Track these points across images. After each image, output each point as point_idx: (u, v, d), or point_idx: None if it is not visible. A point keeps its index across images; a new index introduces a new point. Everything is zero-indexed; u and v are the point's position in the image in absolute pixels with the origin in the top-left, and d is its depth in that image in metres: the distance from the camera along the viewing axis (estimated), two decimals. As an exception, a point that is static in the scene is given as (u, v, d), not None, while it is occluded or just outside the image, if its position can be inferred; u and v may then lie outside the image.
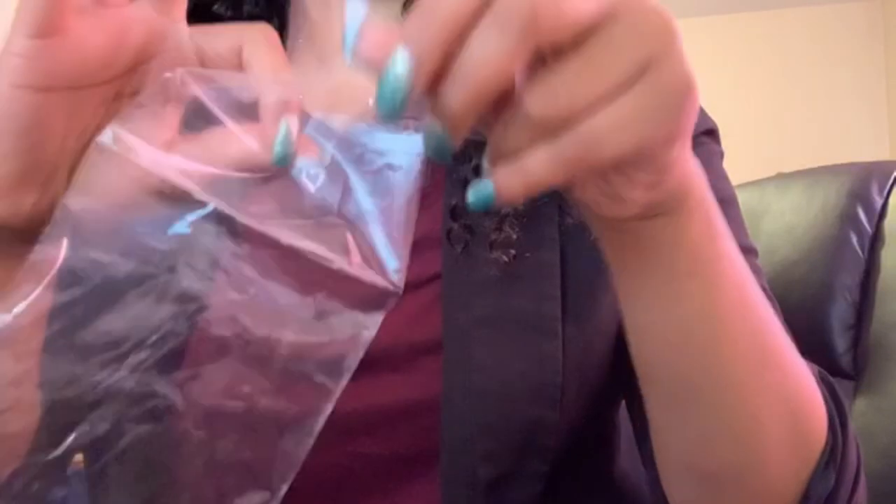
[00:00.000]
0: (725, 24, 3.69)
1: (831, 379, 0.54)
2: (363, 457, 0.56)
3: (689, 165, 0.41)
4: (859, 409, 0.88)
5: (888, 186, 0.95)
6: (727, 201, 0.63)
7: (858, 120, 3.39)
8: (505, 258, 0.56)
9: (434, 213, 0.59)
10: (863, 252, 0.93)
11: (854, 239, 0.93)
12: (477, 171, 0.58)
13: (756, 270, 0.61)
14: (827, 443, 0.50)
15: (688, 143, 0.39)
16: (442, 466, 0.55)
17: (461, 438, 0.55)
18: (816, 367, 0.53)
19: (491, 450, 0.54)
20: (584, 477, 0.64)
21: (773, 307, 0.59)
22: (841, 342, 0.92)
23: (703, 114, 0.65)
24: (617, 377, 0.60)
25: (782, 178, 1.08)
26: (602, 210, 0.39)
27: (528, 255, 0.57)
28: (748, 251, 0.62)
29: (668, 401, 0.49)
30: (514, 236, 0.56)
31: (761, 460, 0.49)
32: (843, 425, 0.51)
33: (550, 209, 0.59)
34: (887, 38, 3.47)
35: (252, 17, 0.70)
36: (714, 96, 0.67)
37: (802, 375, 0.49)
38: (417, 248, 0.58)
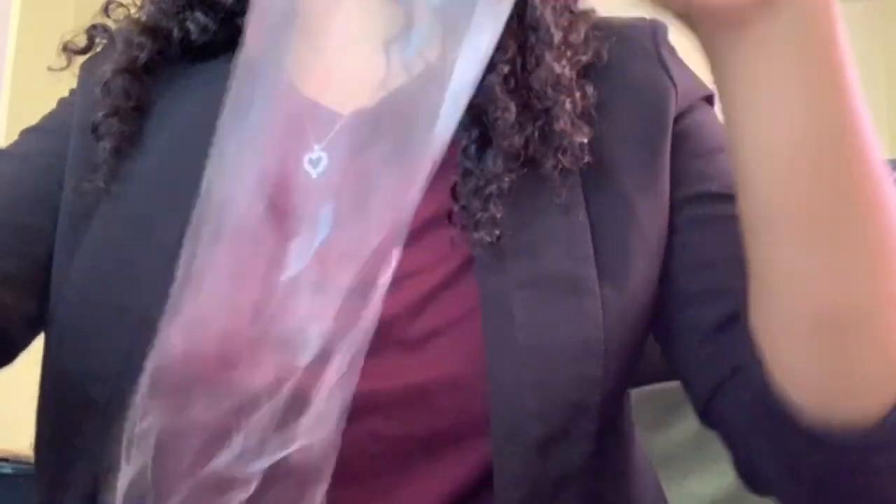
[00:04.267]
0: (725, 25, 3.69)
1: None
2: (385, 438, 0.56)
3: None
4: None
5: (889, 186, 0.95)
6: None
7: (858, 120, 3.38)
8: (489, 238, 0.57)
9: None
10: (863, 252, 0.93)
11: (855, 239, 0.93)
12: (482, 142, 0.59)
13: None
14: None
15: None
16: (493, 429, 0.55)
17: (510, 398, 0.55)
18: None
19: (541, 408, 0.55)
20: (623, 443, 0.64)
21: None
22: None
23: (700, 80, 0.67)
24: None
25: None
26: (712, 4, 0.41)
27: (510, 233, 0.58)
28: None
29: (793, 236, 0.46)
30: (499, 216, 0.57)
31: (888, 302, 0.47)
32: None
33: (571, 180, 0.59)
34: (887, 38, 3.47)
35: None
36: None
37: None
38: (436, 222, 0.59)
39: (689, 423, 0.92)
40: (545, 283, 0.57)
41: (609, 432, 0.59)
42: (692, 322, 0.59)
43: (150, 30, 0.68)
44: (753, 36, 0.42)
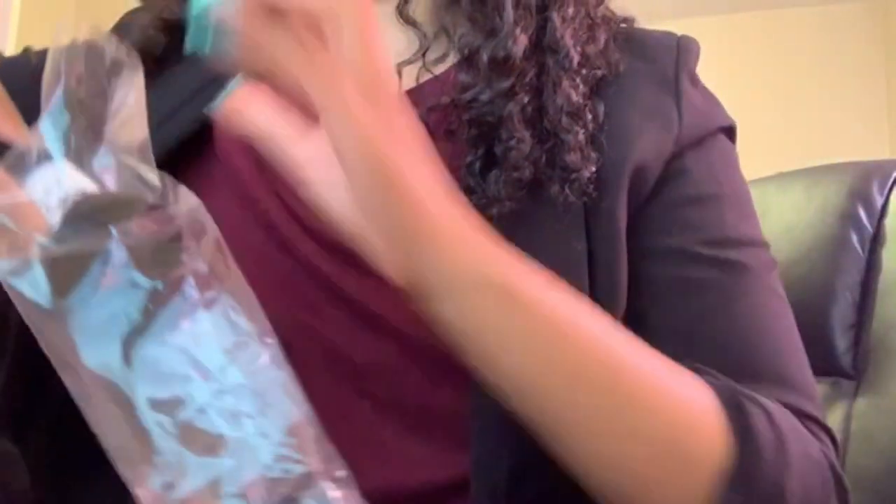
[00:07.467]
0: (725, 24, 3.69)
1: (743, 396, 0.52)
2: (383, 404, 0.57)
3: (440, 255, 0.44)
4: (860, 409, 0.88)
5: (888, 185, 0.95)
6: (736, 196, 0.63)
7: (858, 120, 3.39)
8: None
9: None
10: (863, 251, 0.93)
11: (854, 238, 0.93)
12: (487, 161, 0.58)
13: (767, 265, 0.62)
14: (732, 459, 0.49)
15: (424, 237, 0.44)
16: (473, 406, 0.55)
17: (491, 436, 0.55)
18: (721, 384, 0.52)
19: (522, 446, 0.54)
20: None
21: (782, 304, 0.60)
22: (842, 342, 0.92)
23: (721, 110, 0.66)
24: None
25: (782, 177, 1.08)
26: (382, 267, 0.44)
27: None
28: (757, 244, 0.62)
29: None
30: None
31: (639, 492, 0.49)
32: (749, 439, 0.50)
33: (574, 205, 0.59)
34: (887, 38, 3.47)
35: None
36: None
37: (680, 406, 0.49)
38: None
39: (688, 423, 0.92)
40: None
41: None
42: None
43: (172, 26, 0.67)
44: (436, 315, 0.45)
